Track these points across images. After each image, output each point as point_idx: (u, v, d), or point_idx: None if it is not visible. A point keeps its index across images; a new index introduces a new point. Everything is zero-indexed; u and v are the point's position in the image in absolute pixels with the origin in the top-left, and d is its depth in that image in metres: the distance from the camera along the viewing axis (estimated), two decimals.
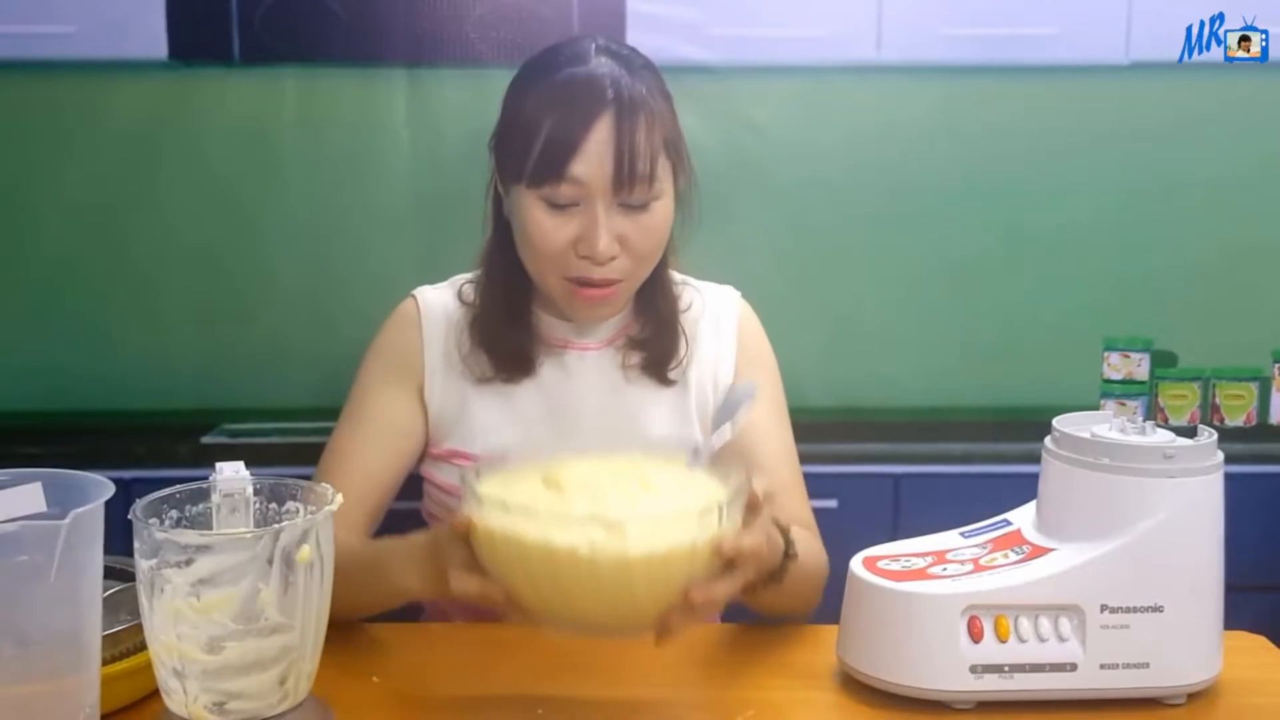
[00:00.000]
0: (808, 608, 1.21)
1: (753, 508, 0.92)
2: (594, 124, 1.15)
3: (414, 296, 1.31)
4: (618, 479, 0.95)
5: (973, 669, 0.97)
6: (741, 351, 1.33)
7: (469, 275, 1.32)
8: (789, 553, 1.06)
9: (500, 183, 1.25)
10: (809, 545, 1.19)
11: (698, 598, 0.88)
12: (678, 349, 1.29)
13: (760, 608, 1.17)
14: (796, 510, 1.26)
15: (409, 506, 1.34)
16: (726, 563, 0.90)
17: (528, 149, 1.17)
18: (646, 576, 0.87)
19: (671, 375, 1.29)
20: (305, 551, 0.87)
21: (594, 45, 1.21)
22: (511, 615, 0.92)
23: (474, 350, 1.28)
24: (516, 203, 1.20)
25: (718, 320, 1.33)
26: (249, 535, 0.87)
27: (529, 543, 0.87)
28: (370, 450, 1.25)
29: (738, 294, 1.37)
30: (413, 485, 1.33)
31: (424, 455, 1.31)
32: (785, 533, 1.05)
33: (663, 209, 1.21)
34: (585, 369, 1.29)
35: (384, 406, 1.27)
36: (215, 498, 0.91)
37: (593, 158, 1.15)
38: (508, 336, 1.27)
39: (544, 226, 1.18)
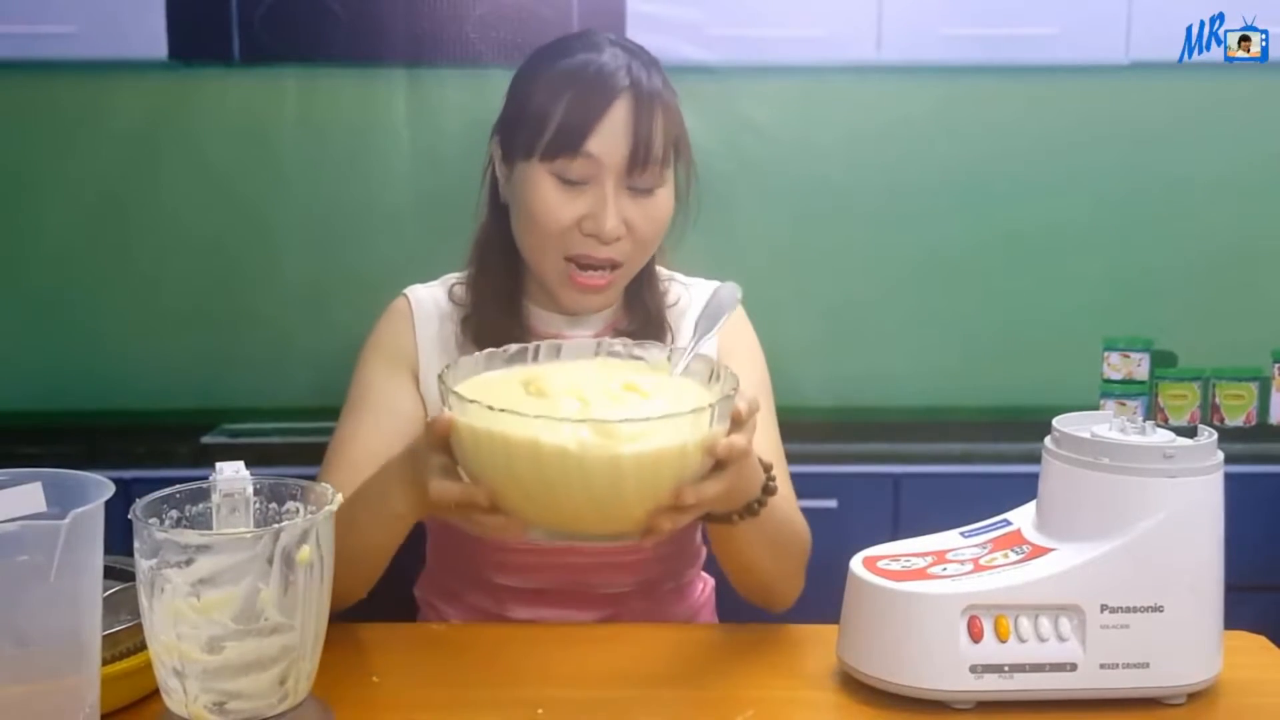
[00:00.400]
0: (789, 580, 1.22)
1: (738, 421, 0.93)
2: (612, 104, 1.18)
3: (405, 295, 1.32)
4: (601, 383, 0.94)
5: (973, 669, 0.97)
6: (725, 341, 1.31)
7: (459, 275, 1.33)
8: (767, 487, 1.07)
9: (504, 163, 1.25)
10: (791, 511, 1.21)
11: (689, 498, 0.89)
12: (663, 343, 1.29)
13: (739, 559, 1.17)
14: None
15: None
16: (715, 464, 0.91)
17: (544, 123, 1.19)
18: (636, 477, 0.86)
19: None
20: (305, 552, 0.86)
21: (607, 38, 1.25)
22: (494, 522, 0.92)
23: (466, 344, 1.28)
24: (523, 179, 1.21)
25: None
26: (249, 535, 0.87)
27: (516, 440, 0.84)
28: (374, 434, 1.25)
29: None
30: None
31: None
32: (767, 469, 1.07)
33: (666, 198, 1.23)
34: None
35: (385, 394, 1.27)
36: (215, 498, 0.91)
37: (609, 136, 1.18)
38: (500, 328, 1.27)
39: (551, 202, 1.19)
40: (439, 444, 0.93)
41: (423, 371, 1.29)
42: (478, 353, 1.00)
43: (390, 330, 1.31)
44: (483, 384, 0.95)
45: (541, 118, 1.19)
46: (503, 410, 0.85)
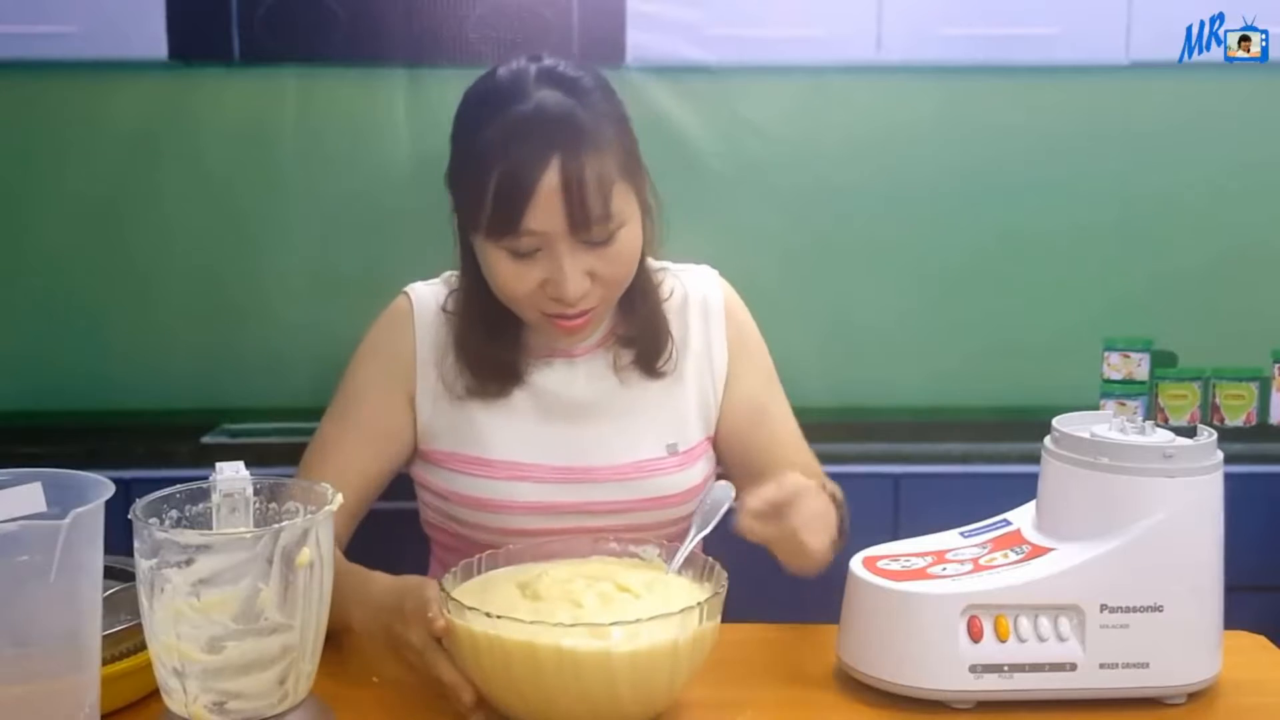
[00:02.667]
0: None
1: (775, 505, 1.00)
2: (543, 173, 1.12)
3: (407, 293, 1.31)
4: (593, 584, 0.99)
5: (972, 669, 0.97)
6: (733, 335, 1.33)
7: (458, 273, 1.31)
8: (841, 512, 1.13)
9: (460, 225, 1.23)
10: (831, 498, 1.20)
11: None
12: (666, 344, 1.29)
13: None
14: (808, 462, 1.32)
15: (400, 508, 1.35)
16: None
17: (480, 201, 1.14)
18: (630, 676, 0.90)
19: (663, 369, 1.29)
20: (305, 554, 0.87)
21: (534, 71, 1.17)
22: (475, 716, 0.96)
23: (462, 367, 1.26)
24: (478, 246, 1.19)
25: (705, 306, 1.33)
26: (249, 535, 0.87)
27: (512, 645, 0.89)
28: (354, 449, 1.25)
29: (715, 273, 1.36)
30: (402, 486, 1.33)
31: (414, 456, 1.30)
32: (833, 496, 1.11)
33: (628, 236, 1.18)
34: (577, 372, 1.29)
35: (372, 408, 1.27)
36: (215, 498, 0.91)
37: (545, 207, 1.12)
38: (491, 354, 1.26)
39: (508, 274, 1.17)
40: (432, 631, 0.95)
41: (420, 380, 1.27)
42: (477, 556, 1.05)
43: (389, 335, 1.29)
44: (481, 586, 1.01)
45: (477, 195, 1.14)
46: (499, 617, 0.90)
